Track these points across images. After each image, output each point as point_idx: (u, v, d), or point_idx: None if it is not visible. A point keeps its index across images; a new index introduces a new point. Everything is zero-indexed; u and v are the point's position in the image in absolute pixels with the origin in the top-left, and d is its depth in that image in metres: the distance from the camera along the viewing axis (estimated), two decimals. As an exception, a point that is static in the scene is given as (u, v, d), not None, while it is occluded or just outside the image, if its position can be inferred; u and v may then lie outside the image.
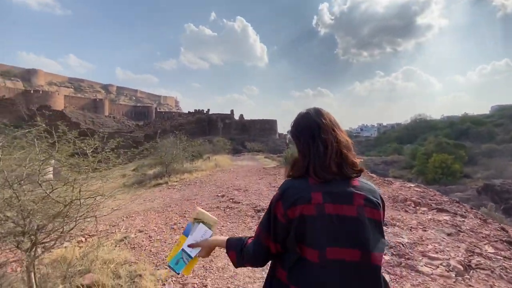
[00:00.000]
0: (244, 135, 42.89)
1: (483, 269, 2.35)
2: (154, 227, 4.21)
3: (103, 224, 4.65)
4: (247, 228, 3.57)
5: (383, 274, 0.80)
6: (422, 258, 2.49)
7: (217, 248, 1.05)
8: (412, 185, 5.47)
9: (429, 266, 2.38)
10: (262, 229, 0.85)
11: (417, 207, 3.99)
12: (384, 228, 3.36)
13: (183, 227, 4.09)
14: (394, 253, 2.55)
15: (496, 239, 2.96)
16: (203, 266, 2.77)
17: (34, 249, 2.14)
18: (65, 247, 3.79)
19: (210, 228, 1.02)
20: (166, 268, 2.77)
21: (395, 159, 48.49)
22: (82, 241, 3.91)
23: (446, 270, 2.30)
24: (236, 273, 2.65)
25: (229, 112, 49.25)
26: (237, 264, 0.92)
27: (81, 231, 4.27)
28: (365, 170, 0.86)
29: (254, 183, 7.17)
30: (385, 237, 0.82)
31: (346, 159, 0.80)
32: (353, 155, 0.83)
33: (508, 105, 60.99)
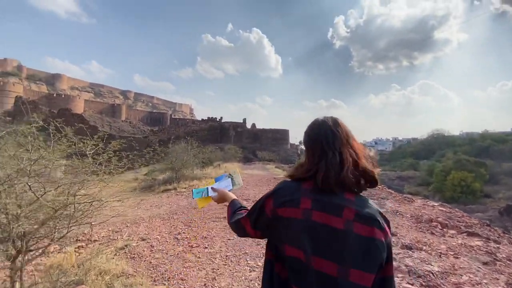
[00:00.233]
0: (256, 144, 42.74)
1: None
2: (158, 236, 4.00)
3: (106, 229, 4.50)
4: (255, 243, 3.30)
5: None
6: (457, 292, 2.14)
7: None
8: (436, 204, 5.04)
9: (466, 302, 2.02)
10: (248, 213, 0.92)
11: (445, 229, 3.60)
12: (409, 252, 3.04)
13: (187, 237, 3.86)
14: (424, 283, 2.21)
15: (541, 273, 2.55)
16: (205, 284, 2.51)
17: (19, 257, 1.96)
18: (65, 252, 3.65)
19: (233, 186, 1.22)
20: (164, 284, 2.53)
21: (411, 175, 46.85)
22: (83, 247, 3.76)
23: (487, 309, 1.94)
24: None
25: (241, 121, 49.43)
26: (228, 221, 1.04)
27: (83, 236, 4.14)
28: (379, 184, 0.81)
29: (263, 193, 6.86)
30: (390, 259, 0.76)
31: (362, 172, 0.77)
32: (369, 167, 0.78)
33: (532, 123, 58.06)
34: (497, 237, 3.48)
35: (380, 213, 0.76)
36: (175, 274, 2.72)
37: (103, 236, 4.13)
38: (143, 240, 3.85)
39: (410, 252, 2.78)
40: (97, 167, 2.63)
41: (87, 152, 2.52)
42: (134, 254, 3.31)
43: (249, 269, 2.79)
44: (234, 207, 1.06)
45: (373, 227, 0.72)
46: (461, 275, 2.38)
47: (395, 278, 0.83)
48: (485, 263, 2.58)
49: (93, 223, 5.07)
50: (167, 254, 3.26)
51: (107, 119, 65.74)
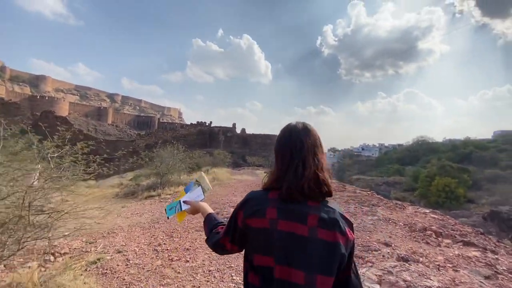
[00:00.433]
0: (245, 149, 42.44)
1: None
2: (136, 248, 3.67)
3: (79, 240, 4.12)
4: (241, 256, 3.04)
5: None
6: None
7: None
8: (427, 211, 4.93)
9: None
10: (224, 230, 0.91)
11: (439, 238, 3.45)
12: (406, 265, 2.85)
13: (168, 249, 3.55)
14: (425, 302, 2.01)
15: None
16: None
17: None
18: (29, 267, 3.26)
19: (203, 193, 1.18)
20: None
21: (397, 180, 47.76)
22: (51, 261, 3.38)
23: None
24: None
25: (231, 126, 49.09)
26: (206, 240, 1.00)
27: (51, 248, 3.74)
28: (333, 194, 0.82)
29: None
30: (352, 259, 0.79)
31: (322, 183, 0.80)
32: (328, 180, 0.82)
33: (511, 131, 60.67)
34: (494, 247, 3.36)
35: (343, 217, 0.78)
36: (150, 293, 2.43)
37: (75, 248, 3.76)
38: (119, 252, 3.51)
39: (407, 264, 2.60)
40: (61, 173, 2.31)
41: (49, 155, 2.21)
42: (106, 269, 2.98)
43: (234, 286, 2.53)
44: (210, 224, 1.03)
45: (335, 232, 0.74)
46: (463, 291, 2.21)
47: None
48: (486, 277, 2.43)
49: (65, 234, 4.67)
50: (143, 269, 2.95)
51: (92, 122, 63.91)
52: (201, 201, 1.16)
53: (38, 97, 62.16)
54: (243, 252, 0.88)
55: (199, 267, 2.95)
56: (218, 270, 2.85)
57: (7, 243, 1.96)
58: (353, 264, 0.80)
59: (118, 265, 3.07)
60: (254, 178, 13.93)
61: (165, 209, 1.24)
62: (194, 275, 2.74)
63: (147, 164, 9.93)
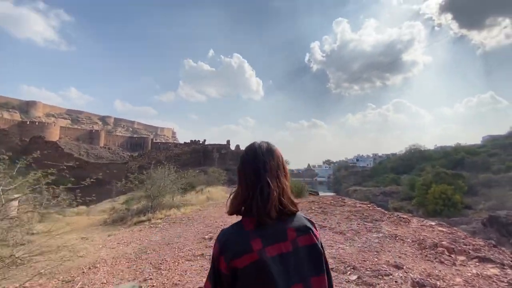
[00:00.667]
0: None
1: None
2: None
3: (56, 279, 3.68)
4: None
5: None
6: None
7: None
8: (433, 224, 4.66)
9: None
10: (209, 284, 0.84)
11: (453, 256, 3.16)
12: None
13: (154, 285, 3.16)
14: None
15: None
16: None
17: None
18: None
19: None
20: None
21: (394, 190, 47.63)
22: (17, 308, 2.94)
23: None
24: None
25: (225, 143, 48.84)
26: None
27: (21, 292, 3.30)
28: (299, 210, 0.88)
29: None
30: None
31: (287, 205, 0.83)
32: (292, 200, 0.85)
33: (499, 135, 62.03)
34: (511, 261, 3.08)
35: (307, 219, 0.86)
36: None
37: (48, 290, 3.32)
38: (98, 293, 3.09)
39: (424, 291, 2.29)
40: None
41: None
42: (80, 316, 2.57)
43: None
44: None
45: (310, 235, 0.81)
46: (493, 322, 1.89)
47: None
48: (515, 302, 2.13)
49: (40, 272, 4.20)
50: (123, 313, 2.55)
51: (84, 145, 62.94)
52: None
53: (28, 122, 61.32)
54: None
55: (188, 306, 2.57)
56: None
57: None
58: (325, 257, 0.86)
59: (94, 309, 2.66)
60: (250, 196, 13.52)
61: None
62: (182, 318, 2.36)
63: (137, 187, 9.49)
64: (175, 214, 8.02)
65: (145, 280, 3.36)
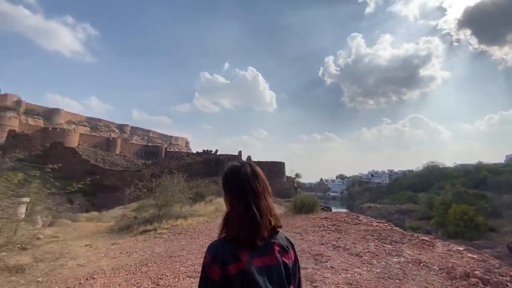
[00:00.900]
0: (251, 177, 41.58)
1: None
2: (112, 301, 3.03)
3: (50, 289, 3.49)
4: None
5: None
6: None
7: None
8: (461, 249, 4.16)
9: None
10: None
11: (489, 289, 2.73)
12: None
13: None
14: None
15: None
16: None
17: None
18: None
19: None
20: None
21: (411, 208, 45.58)
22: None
23: None
24: None
25: (237, 154, 48.84)
26: None
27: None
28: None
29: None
30: (299, 271, 0.97)
31: (274, 223, 0.92)
32: (277, 217, 0.95)
33: (524, 154, 58.68)
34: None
35: (288, 240, 0.95)
36: None
37: (40, 302, 3.13)
38: (90, 308, 2.87)
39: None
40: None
41: None
42: (65, 336, 2.34)
43: None
44: None
45: (288, 254, 0.91)
46: None
47: None
48: None
49: (38, 280, 4.04)
50: (111, 336, 2.30)
51: (101, 152, 64.71)
52: None
53: (50, 129, 64.05)
54: None
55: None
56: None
57: None
58: (300, 275, 0.98)
59: (81, 329, 2.43)
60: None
61: None
62: None
63: (145, 194, 9.39)
64: (181, 225, 7.79)
65: (141, 297, 3.11)
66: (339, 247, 4.26)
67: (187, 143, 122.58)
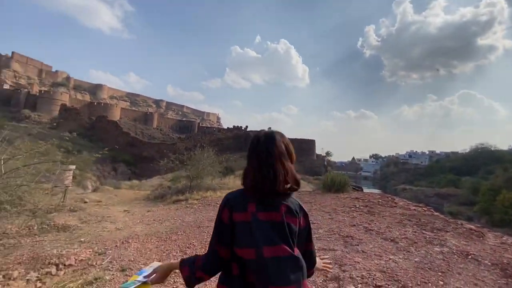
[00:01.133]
0: (281, 154, 41.41)
1: None
2: (142, 266, 3.18)
3: (91, 250, 3.79)
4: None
5: None
6: None
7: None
8: (518, 242, 3.63)
9: None
10: (213, 235, 0.98)
11: (557, 294, 2.31)
12: None
13: (175, 272, 2.98)
14: None
15: None
16: None
17: None
18: (27, 279, 2.95)
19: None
20: None
21: (451, 192, 42.72)
22: (51, 274, 3.04)
23: None
24: None
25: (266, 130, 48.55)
26: (188, 280, 0.98)
27: (58, 258, 3.44)
28: (299, 189, 1.02)
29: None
30: (310, 239, 1.02)
31: (290, 187, 0.97)
32: (296, 178, 1.00)
33: None
34: None
35: (301, 207, 0.99)
36: None
37: (81, 260, 3.40)
38: (122, 271, 3.03)
39: None
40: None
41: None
42: (99, 294, 2.49)
43: None
44: (190, 260, 1.00)
45: (295, 218, 0.94)
46: None
47: None
48: None
49: (81, 240, 4.43)
50: (139, 300, 2.39)
51: (139, 126, 68.84)
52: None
53: (95, 103, 69.13)
54: None
55: (206, 304, 2.30)
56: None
57: None
58: (312, 240, 1.03)
59: (113, 290, 2.57)
60: (288, 185, 13.09)
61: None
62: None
63: (177, 166, 9.77)
64: (211, 197, 8.02)
65: (169, 264, 3.23)
66: (372, 230, 3.98)
67: (218, 118, 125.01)
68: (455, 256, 3.00)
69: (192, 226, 4.88)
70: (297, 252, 0.92)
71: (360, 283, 2.41)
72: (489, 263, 2.82)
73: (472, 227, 4.34)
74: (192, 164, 9.20)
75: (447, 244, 3.35)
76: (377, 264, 2.78)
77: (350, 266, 2.73)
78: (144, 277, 1.02)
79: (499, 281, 2.48)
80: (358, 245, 3.36)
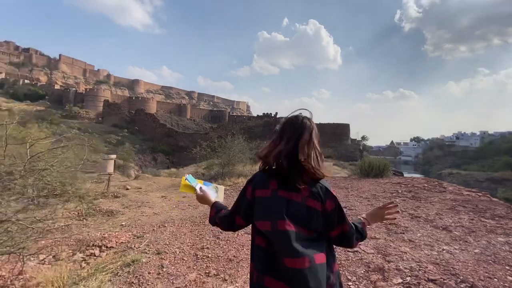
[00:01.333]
0: (313, 139, 40.35)
1: None
2: (177, 249, 3.22)
3: (130, 233, 3.97)
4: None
5: None
6: None
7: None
8: None
9: None
10: (234, 203, 1.11)
11: None
12: None
13: (209, 256, 2.96)
14: None
15: None
16: None
17: None
18: (74, 260, 3.17)
19: (216, 198, 1.32)
20: None
21: (507, 177, 38.30)
22: (95, 255, 3.22)
23: None
24: None
25: (297, 116, 47.50)
26: (211, 219, 1.22)
27: (100, 240, 3.65)
28: (325, 178, 1.02)
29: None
30: (342, 220, 1.01)
31: (310, 170, 0.98)
32: (316, 168, 1.00)
33: None
34: None
35: (329, 192, 1.00)
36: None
37: (121, 243, 3.57)
38: (158, 254, 3.10)
39: None
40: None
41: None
42: (136, 276, 2.55)
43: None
44: (218, 208, 1.22)
45: (316, 201, 0.97)
46: None
47: None
48: None
49: (122, 224, 4.68)
50: (172, 283, 2.40)
51: (175, 117, 72.04)
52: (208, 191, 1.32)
53: (133, 98, 73.53)
54: None
55: (238, 291, 2.22)
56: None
57: None
58: (346, 221, 1.02)
59: (149, 272, 2.62)
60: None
61: (187, 176, 1.34)
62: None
63: (209, 154, 9.94)
64: (242, 183, 8.03)
65: (202, 248, 3.23)
66: (419, 217, 3.58)
67: (248, 107, 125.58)
68: (529, 249, 2.54)
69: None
70: (306, 232, 0.95)
71: (409, 276, 2.13)
72: None
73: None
74: (223, 152, 9.27)
75: (515, 234, 2.86)
76: (428, 255, 2.46)
77: (396, 257, 2.45)
78: (201, 189, 1.31)
79: None
80: (403, 233, 3.03)
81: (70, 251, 3.28)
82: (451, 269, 2.20)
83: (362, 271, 2.30)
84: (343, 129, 43.52)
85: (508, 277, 2.09)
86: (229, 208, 1.15)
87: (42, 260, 3.12)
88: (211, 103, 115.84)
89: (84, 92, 64.34)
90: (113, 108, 55.72)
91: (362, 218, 1.16)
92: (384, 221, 1.20)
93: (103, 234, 3.79)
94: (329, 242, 1.01)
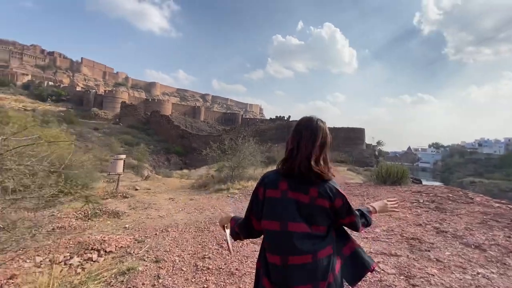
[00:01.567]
0: (326, 144, 39.52)
1: None
2: (177, 258, 3.01)
3: (132, 237, 3.81)
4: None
5: None
6: None
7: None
8: None
9: None
10: (248, 206, 1.17)
11: None
12: None
13: (210, 267, 2.72)
14: None
15: None
16: None
17: None
18: (70, 264, 3.02)
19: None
20: None
21: (534, 187, 35.83)
22: (92, 260, 3.06)
23: None
24: None
25: (311, 119, 46.79)
26: (232, 231, 1.27)
27: (100, 244, 3.50)
28: (338, 183, 1.10)
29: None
30: (349, 213, 1.08)
31: (316, 170, 1.04)
32: (322, 169, 1.05)
33: None
34: None
35: (337, 191, 1.06)
36: None
37: (121, 247, 3.40)
38: (156, 262, 2.90)
39: None
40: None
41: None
42: (129, 287, 2.35)
43: None
44: (236, 219, 1.28)
45: (325, 200, 1.02)
46: None
47: None
48: None
49: (125, 226, 4.54)
50: (166, 298, 2.17)
51: (189, 119, 73.07)
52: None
53: (149, 100, 75.30)
54: None
55: (238, 311, 1.96)
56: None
57: None
58: (353, 213, 1.09)
59: (144, 283, 2.41)
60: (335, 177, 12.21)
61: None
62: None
63: (219, 156, 9.77)
64: (252, 186, 7.78)
65: (203, 258, 3.00)
66: (446, 232, 3.20)
67: (260, 109, 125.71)
68: None
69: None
70: (316, 229, 1.01)
71: (439, 305, 1.80)
72: None
73: None
74: (233, 154, 9.08)
75: None
76: (461, 279, 2.11)
77: (423, 280, 2.11)
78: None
79: None
80: (429, 250, 2.67)
81: (68, 254, 3.14)
82: (491, 299, 1.84)
83: (382, 296, 1.98)
84: (357, 133, 42.41)
85: None
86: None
87: (39, 262, 3.00)
88: (225, 105, 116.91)
89: (103, 93, 66.59)
90: (130, 109, 57.23)
91: (370, 207, 1.26)
92: (388, 213, 1.14)
93: (104, 237, 3.64)
94: (338, 227, 1.11)
